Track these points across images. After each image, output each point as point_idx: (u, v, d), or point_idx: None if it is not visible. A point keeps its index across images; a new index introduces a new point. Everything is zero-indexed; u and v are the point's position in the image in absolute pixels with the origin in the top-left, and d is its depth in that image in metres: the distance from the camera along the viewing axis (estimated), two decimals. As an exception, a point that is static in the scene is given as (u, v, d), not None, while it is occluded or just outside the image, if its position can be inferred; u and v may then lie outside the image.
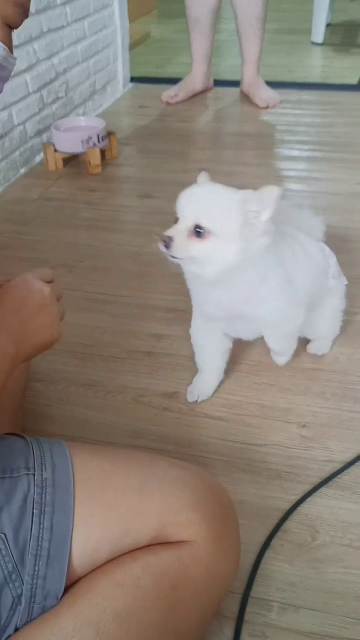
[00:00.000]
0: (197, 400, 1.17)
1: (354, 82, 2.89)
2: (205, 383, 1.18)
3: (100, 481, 0.73)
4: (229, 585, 0.76)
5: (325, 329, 1.25)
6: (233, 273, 0.95)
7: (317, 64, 3.44)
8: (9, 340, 0.71)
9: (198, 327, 1.15)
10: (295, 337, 1.16)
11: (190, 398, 1.17)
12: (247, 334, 1.15)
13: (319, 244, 1.18)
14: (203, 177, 0.99)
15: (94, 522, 0.70)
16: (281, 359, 1.19)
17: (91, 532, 0.69)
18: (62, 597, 0.66)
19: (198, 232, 0.89)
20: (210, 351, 1.17)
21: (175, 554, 0.70)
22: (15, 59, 0.67)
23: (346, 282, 1.22)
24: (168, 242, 0.89)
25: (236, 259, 0.91)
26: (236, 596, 0.85)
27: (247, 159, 2.20)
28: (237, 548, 0.77)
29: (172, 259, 0.92)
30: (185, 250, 0.90)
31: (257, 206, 0.89)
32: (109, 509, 0.71)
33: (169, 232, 0.90)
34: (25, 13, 0.64)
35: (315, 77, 3.18)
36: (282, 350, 1.17)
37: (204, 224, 0.88)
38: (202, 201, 0.91)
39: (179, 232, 0.90)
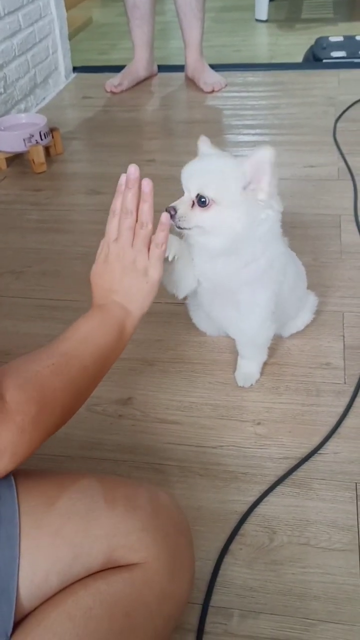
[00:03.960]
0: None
1: (299, 59, 2.87)
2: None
3: (46, 508, 0.72)
4: (183, 605, 0.75)
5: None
6: (238, 246, 0.95)
7: (262, 42, 3.41)
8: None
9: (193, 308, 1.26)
10: (265, 346, 1.17)
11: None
12: (229, 325, 1.16)
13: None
14: (203, 143, 0.99)
15: (41, 552, 0.68)
16: (244, 380, 1.18)
17: (38, 563, 0.68)
18: (12, 634, 0.65)
19: (202, 201, 0.91)
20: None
21: (127, 578, 0.70)
22: None
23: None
24: (172, 213, 0.91)
25: (240, 226, 0.92)
26: (196, 607, 0.85)
27: (195, 147, 2.16)
28: (191, 565, 0.76)
29: (178, 229, 0.94)
30: (189, 220, 0.92)
31: (255, 170, 0.89)
32: (55, 535, 0.70)
33: (174, 203, 0.92)
34: None
35: (261, 55, 3.15)
36: (251, 356, 1.19)
37: (206, 192, 0.90)
38: (203, 171, 0.92)
39: (183, 203, 0.92)
